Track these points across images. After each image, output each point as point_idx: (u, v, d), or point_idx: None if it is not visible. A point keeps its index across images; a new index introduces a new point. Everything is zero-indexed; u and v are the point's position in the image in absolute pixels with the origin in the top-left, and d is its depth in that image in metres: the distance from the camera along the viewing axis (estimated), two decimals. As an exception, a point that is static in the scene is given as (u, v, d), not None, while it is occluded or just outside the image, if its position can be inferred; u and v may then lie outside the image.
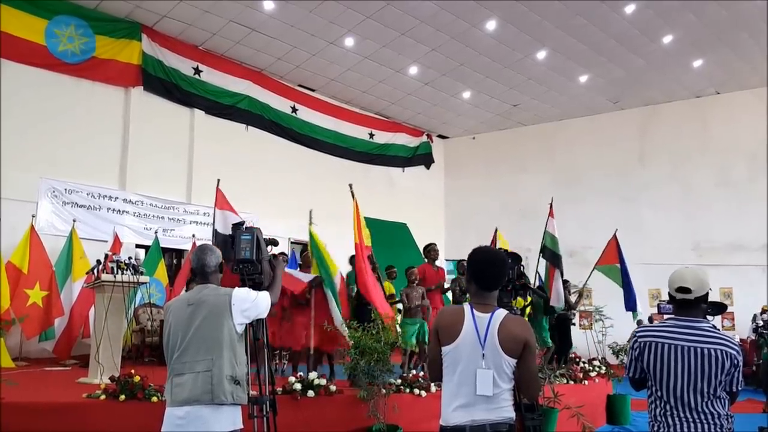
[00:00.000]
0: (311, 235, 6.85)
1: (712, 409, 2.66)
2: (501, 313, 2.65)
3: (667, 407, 2.73)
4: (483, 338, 2.59)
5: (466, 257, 8.27)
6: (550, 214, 8.82)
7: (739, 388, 2.72)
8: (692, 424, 2.66)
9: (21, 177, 9.72)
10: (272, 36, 12.18)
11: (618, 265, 9.21)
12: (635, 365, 2.88)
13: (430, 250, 8.45)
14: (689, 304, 2.79)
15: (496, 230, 8.95)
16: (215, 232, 6.63)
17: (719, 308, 3.49)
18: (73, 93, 10.75)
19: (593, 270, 9.27)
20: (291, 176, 13.66)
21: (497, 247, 8.31)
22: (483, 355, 2.57)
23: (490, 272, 2.73)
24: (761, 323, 11.74)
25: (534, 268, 8.69)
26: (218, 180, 7.06)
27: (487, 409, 2.56)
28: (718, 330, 2.79)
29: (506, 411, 2.61)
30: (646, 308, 14.33)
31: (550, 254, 8.52)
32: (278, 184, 13.23)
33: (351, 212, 6.86)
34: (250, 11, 11.22)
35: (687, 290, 2.77)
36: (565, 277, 9.37)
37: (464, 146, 18.17)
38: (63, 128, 10.48)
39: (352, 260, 7.45)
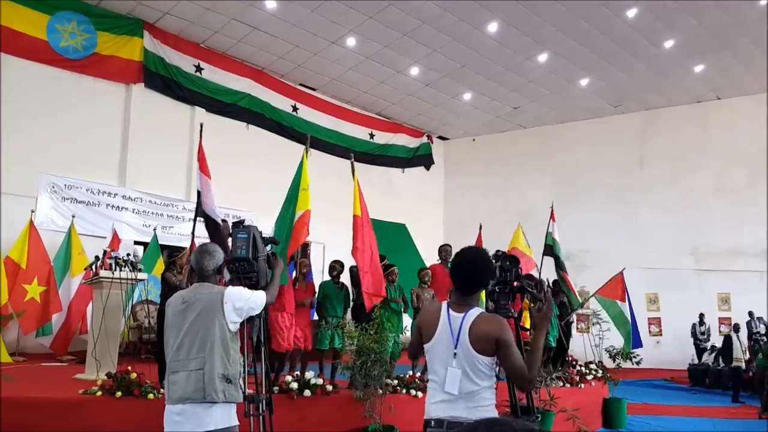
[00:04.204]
0: (301, 163, 6.68)
1: None
2: (474, 312, 2.66)
3: None
4: (455, 338, 2.62)
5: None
6: (551, 217, 8.91)
7: None
8: None
9: (21, 172, 9.72)
10: (274, 35, 12.19)
11: (618, 302, 9.10)
12: None
13: (444, 251, 8.45)
14: None
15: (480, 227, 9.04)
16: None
17: None
18: (74, 89, 10.75)
19: (591, 296, 9.27)
20: (291, 175, 13.62)
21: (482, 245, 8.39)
22: (455, 354, 2.61)
23: (464, 276, 2.74)
24: (761, 328, 11.81)
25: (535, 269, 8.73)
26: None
27: (467, 408, 2.60)
28: None
29: (486, 411, 2.61)
30: (643, 312, 14.38)
31: (556, 258, 8.68)
32: (278, 182, 13.20)
33: (352, 188, 6.77)
34: (251, 10, 11.23)
35: None
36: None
37: (464, 148, 18.17)
38: (63, 124, 10.47)
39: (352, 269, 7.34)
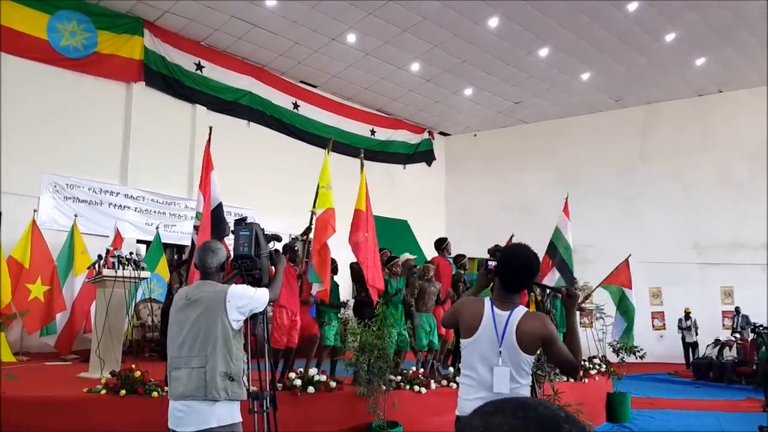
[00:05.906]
0: (324, 163, 6.67)
1: None
2: (520, 311, 2.65)
3: None
4: (501, 336, 2.60)
5: (465, 254, 8.20)
6: (565, 211, 8.84)
7: None
8: None
9: (23, 172, 9.73)
10: (274, 32, 12.17)
11: (624, 289, 8.90)
12: None
13: (447, 245, 8.44)
14: None
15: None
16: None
17: None
18: (75, 88, 10.74)
19: (597, 287, 9.20)
20: (292, 173, 13.67)
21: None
22: (500, 352, 2.59)
23: (514, 273, 2.70)
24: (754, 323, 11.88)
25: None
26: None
27: None
28: None
29: None
30: (647, 306, 14.38)
31: (551, 246, 8.63)
32: (279, 180, 13.24)
33: (359, 183, 6.94)
34: (252, 7, 11.21)
35: None
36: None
37: (466, 143, 18.15)
38: (65, 123, 10.47)
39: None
